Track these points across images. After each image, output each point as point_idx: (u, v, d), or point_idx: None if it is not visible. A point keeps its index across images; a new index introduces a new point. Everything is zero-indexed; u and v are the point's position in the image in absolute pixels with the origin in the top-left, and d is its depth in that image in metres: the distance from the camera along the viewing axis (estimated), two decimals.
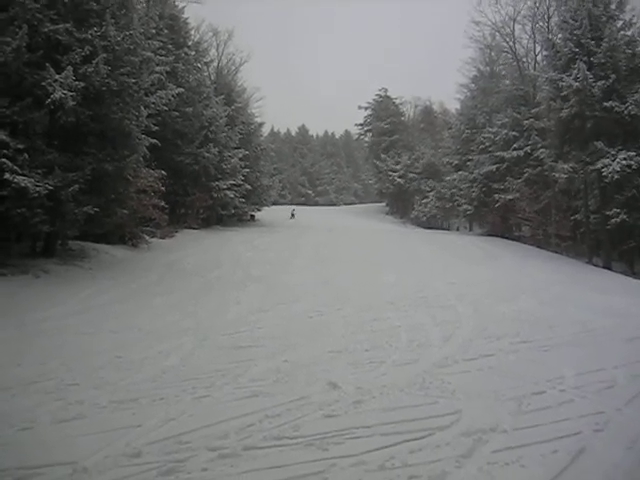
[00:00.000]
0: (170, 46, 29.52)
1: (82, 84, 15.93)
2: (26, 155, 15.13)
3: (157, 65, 22.61)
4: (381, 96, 70.71)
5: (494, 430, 5.59)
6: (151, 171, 24.00)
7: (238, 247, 26.43)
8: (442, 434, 5.49)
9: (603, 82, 28.12)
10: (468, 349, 9.35)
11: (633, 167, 26.64)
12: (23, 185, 14.67)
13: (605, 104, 27.99)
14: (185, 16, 34.70)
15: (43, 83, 15.59)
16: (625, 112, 27.69)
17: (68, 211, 16.37)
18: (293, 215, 53.39)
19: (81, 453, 5.01)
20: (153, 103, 21.69)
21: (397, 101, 70.95)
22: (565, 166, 29.55)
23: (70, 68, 15.75)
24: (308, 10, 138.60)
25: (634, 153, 26.93)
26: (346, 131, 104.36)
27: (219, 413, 6.08)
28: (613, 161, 27.11)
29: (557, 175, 30.27)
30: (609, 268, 28.15)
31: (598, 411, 6.18)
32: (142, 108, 19.66)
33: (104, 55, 16.55)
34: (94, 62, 16.27)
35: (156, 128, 22.74)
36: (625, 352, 9.19)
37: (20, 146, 15.14)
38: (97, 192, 17.41)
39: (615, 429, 5.67)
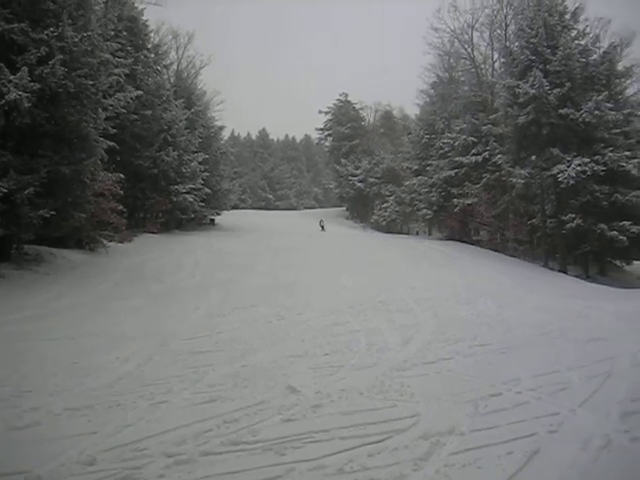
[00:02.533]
0: (129, 48, 29.15)
1: (38, 85, 15.66)
2: None
3: (115, 67, 22.32)
4: (341, 101, 71.07)
5: (451, 432, 5.64)
6: (109, 174, 23.69)
7: (198, 251, 26.23)
8: (400, 437, 5.52)
9: (558, 90, 28.75)
10: (427, 352, 9.42)
11: (588, 173, 27.31)
12: None
13: (560, 111, 28.64)
14: (144, 18, 34.33)
15: None
16: (580, 119, 28.35)
17: (23, 214, 16.07)
18: (323, 227, 49.94)
19: (34, 461, 4.90)
20: (111, 105, 21.40)
21: (357, 106, 71.46)
22: (522, 171, 30.13)
23: (25, 69, 15.46)
24: (270, 15, 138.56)
25: (588, 159, 27.60)
26: (306, 135, 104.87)
27: (176, 419, 6.01)
28: (568, 167, 27.73)
29: (514, 180, 30.82)
30: (564, 272, 28.75)
31: (553, 412, 6.27)
32: (100, 110, 19.41)
33: (61, 56, 16.28)
34: (50, 63, 16.01)
35: (114, 131, 22.46)
36: (579, 354, 9.35)
37: None
38: (53, 195, 17.13)
39: (569, 430, 5.76)
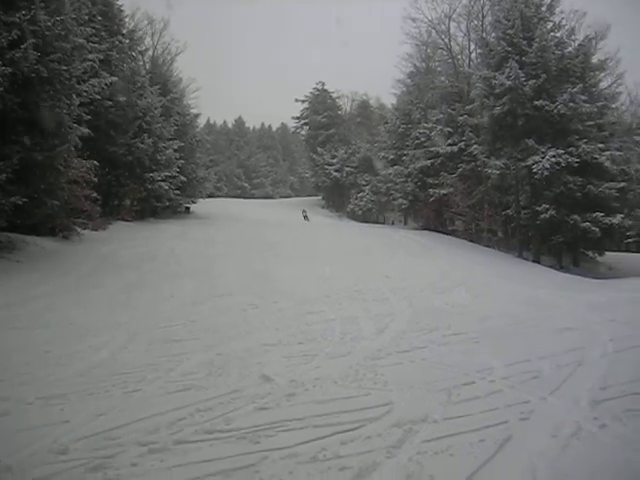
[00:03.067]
0: (103, 33, 28.79)
1: (9, 69, 15.40)
2: None
3: (90, 52, 22.07)
4: (318, 89, 70.84)
5: (424, 420, 5.67)
6: (83, 161, 23.39)
7: (173, 240, 26.08)
8: (374, 425, 5.54)
9: (534, 81, 28.97)
10: (401, 341, 9.46)
11: (562, 164, 27.58)
12: None
13: (536, 103, 28.87)
14: (119, 3, 33.89)
15: None
16: (555, 111, 28.60)
17: None
18: (306, 217, 48.94)
19: (4, 451, 4.83)
20: (85, 91, 21.10)
21: (334, 95, 71.29)
22: (497, 162, 30.36)
23: None
24: (244, 1, 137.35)
25: (563, 151, 27.88)
26: (283, 124, 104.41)
27: (150, 407, 5.97)
28: (543, 158, 27.99)
29: (490, 171, 31.05)
30: (538, 262, 29.09)
31: (524, 401, 6.33)
32: (74, 96, 19.16)
33: (33, 40, 16.01)
34: (22, 47, 15.74)
35: (89, 117, 22.21)
36: (551, 343, 9.46)
37: None
38: (26, 182, 16.91)
39: (540, 418, 5.82)
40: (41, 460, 4.73)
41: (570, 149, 28.16)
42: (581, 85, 29.28)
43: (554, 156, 27.78)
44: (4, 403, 6.10)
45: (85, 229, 24.19)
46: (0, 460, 4.66)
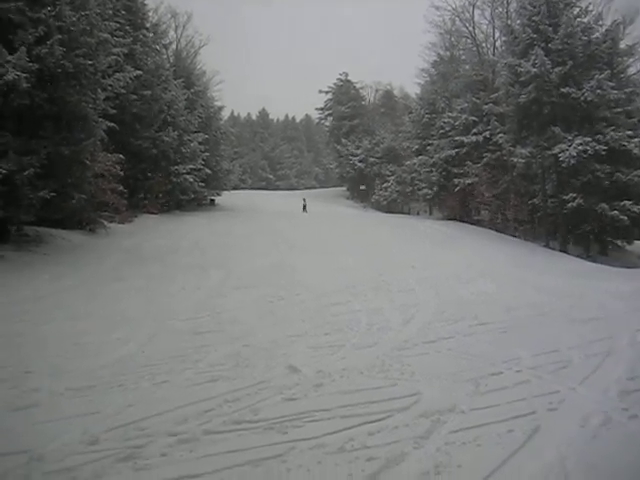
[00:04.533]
0: (128, 28, 28.95)
1: (36, 65, 15.56)
2: None
3: (114, 47, 22.14)
4: (342, 80, 70.61)
5: (452, 411, 5.66)
6: (109, 155, 23.64)
7: (198, 232, 26.23)
8: (401, 416, 5.54)
9: (560, 68, 28.58)
10: (427, 332, 9.44)
11: (589, 152, 27.18)
12: None
13: (562, 90, 28.47)
14: None
15: None
16: (581, 98, 28.20)
17: (23, 196, 16.05)
18: (305, 207, 46.92)
19: (37, 441, 4.92)
20: (110, 86, 21.25)
21: (358, 85, 71.05)
22: (523, 151, 30.02)
23: (23, 49, 15.35)
24: None
25: (590, 139, 27.47)
26: (307, 115, 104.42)
27: (178, 398, 6.03)
28: (570, 146, 27.61)
29: (515, 160, 30.73)
30: (565, 251, 28.76)
31: (553, 391, 6.29)
32: (99, 91, 19.30)
33: (59, 36, 16.18)
34: (48, 43, 15.89)
35: (114, 111, 22.36)
36: (579, 333, 9.37)
37: None
38: (53, 176, 17.09)
39: (569, 408, 5.78)
40: (72, 450, 4.81)
41: (597, 136, 27.75)
42: (609, 71, 28.80)
43: (581, 144, 27.40)
44: (35, 394, 6.20)
45: (111, 222, 24.43)
46: (34, 450, 4.75)
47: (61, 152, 16.84)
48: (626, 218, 27.37)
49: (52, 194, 16.53)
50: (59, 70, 16.40)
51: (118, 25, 24.38)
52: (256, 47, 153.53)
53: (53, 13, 16.36)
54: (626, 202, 27.51)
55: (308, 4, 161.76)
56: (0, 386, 6.48)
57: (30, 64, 15.37)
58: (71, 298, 12.49)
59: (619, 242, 32.87)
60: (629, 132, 28.36)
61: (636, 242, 33.53)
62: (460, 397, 6.08)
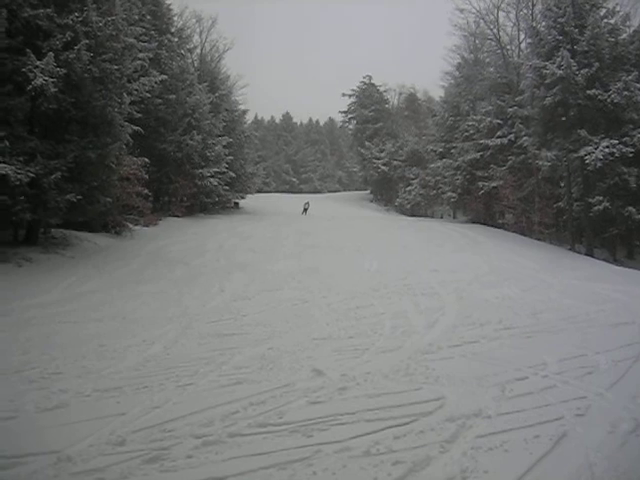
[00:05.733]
0: (153, 32, 29.24)
1: (63, 70, 15.79)
2: (7, 142, 14.97)
3: (140, 52, 22.41)
4: (365, 83, 70.42)
5: (478, 415, 5.63)
6: (134, 159, 23.86)
7: (222, 235, 26.35)
8: (426, 420, 5.52)
9: (586, 70, 28.24)
10: (452, 336, 9.40)
11: (616, 155, 26.81)
12: (4, 173, 14.57)
13: (588, 92, 28.12)
14: (168, 2, 34.41)
15: (24, 69, 15.43)
16: (608, 100, 27.83)
17: (50, 199, 16.26)
18: (305, 209, 46.50)
19: (65, 442, 4.98)
20: (136, 90, 21.48)
21: (381, 88, 70.67)
22: (548, 154, 29.74)
23: (51, 54, 15.59)
24: None
25: (617, 141, 27.10)
26: (330, 118, 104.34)
27: (203, 401, 6.07)
28: (596, 149, 27.26)
29: (540, 163, 30.45)
30: (591, 255, 28.39)
31: (580, 396, 6.23)
32: (125, 95, 19.51)
33: (86, 41, 16.40)
34: (76, 48, 16.13)
35: (139, 115, 22.60)
36: (606, 338, 9.27)
37: (0, 133, 14.97)
38: (80, 180, 17.30)
39: (596, 414, 5.72)
40: (100, 451, 4.86)
41: (624, 139, 27.36)
42: (636, 73, 28.39)
43: (607, 146, 27.05)
44: (63, 395, 6.27)
45: (136, 225, 24.66)
46: (61, 450, 4.80)
47: (87, 156, 17.04)
48: None
49: (78, 197, 16.73)
50: (86, 75, 16.61)
51: (144, 30, 24.67)
52: (279, 51, 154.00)
53: (80, 19, 16.59)
54: None
55: (334, 10, 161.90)
56: (29, 387, 6.57)
57: (58, 69, 15.60)
58: (96, 300, 12.63)
59: None
60: None
61: None
62: (486, 402, 6.04)
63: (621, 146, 26.94)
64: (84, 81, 16.78)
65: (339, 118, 77.68)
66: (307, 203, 47.18)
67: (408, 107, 69.67)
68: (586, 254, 28.62)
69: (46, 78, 15.28)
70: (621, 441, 5.05)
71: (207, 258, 19.84)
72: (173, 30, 35.20)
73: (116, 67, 17.77)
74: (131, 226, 23.97)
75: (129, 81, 20.24)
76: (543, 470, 4.54)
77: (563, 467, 4.60)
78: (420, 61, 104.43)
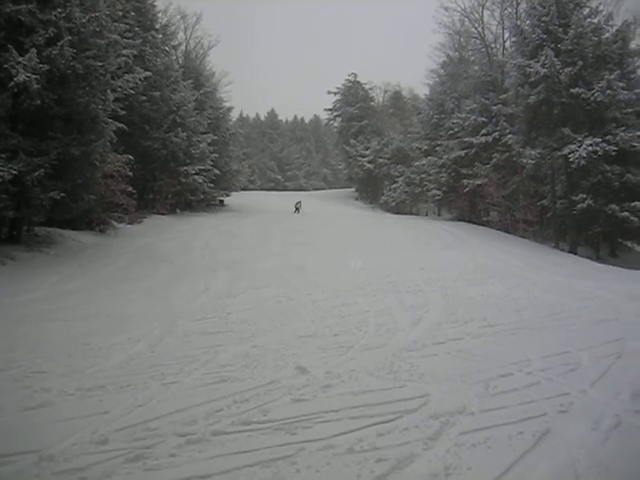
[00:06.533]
0: (137, 29, 29.09)
1: (46, 67, 15.66)
2: None
3: (124, 48, 22.28)
4: (350, 81, 70.41)
5: (461, 412, 5.65)
6: (118, 156, 23.72)
7: (207, 232, 26.28)
8: (410, 417, 5.53)
9: (570, 69, 28.43)
10: (436, 333, 9.43)
11: (599, 153, 27.01)
12: None
13: (572, 91, 28.31)
14: None
15: (6, 65, 15.29)
16: (591, 99, 28.02)
17: (34, 196, 16.14)
18: (297, 209, 45.67)
19: (47, 441, 4.94)
20: (120, 87, 21.37)
21: (366, 86, 70.65)
22: (533, 152, 29.89)
23: (34, 50, 15.45)
24: None
25: (600, 139, 27.30)
26: (315, 116, 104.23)
27: (187, 399, 6.05)
28: (580, 147, 27.46)
29: (525, 161, 30.59)
30: (575, 253, 28.61)
31: (563, 393, 6.27)
32: (109, 92, 19.40)
33: (69, 37, 16.27)
34: (59, 44, 15.99)
35: (123, 112, 22.49)
36: (590, 335, 9.34)
37: None
38: (63, 177, 17.18)
39: (579, 410, 5.76)
40: (82, 450, 4.83)
41: (607, 137, 27.56)
42: (619, 72, 28.61)
43: (591, 145, 27.24)
44: (46, 394, 6.23)
45: (121, 223, 24.55)
46: (43, 449, 4.77)
47: (71, 153, 16.92)
48: (636, 219, 27.16)
49: (62, 195, 16.62)
50: (69, 71, 16.49)
51: (128, 26, 24.51)
52: (264, 48, 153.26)
53: (63, 15, 16.46)
54: (637, 203, 27.28)
55: (318, 4, 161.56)
56: (12, 386, 6.52)
57: (40, 65, 15.47)
58: (81, 299, 12.55)
59: (629, 243, 32.71)
60: (639, 133, 28.17)
61: None
62: (470, 399, 6.07)
63: (604, 144, 27.14)
64: (67, 77, 16.67)
65: (324, 116, 77.66)
66: (299, 202, 46.94)
67: (393, 105, 69.79)
68: (570, 252, 28.82)
69: (29, 74, 15.15)
70: (604, 437, 5.09)
71: (192, 256, 19.78)
72: (157, 27, 35.01)
73: (100, 64, 17.66)
74: (115, 224, 23.85)
75: (113, 78, 20.14)
76: (526, 466, 4.57)
77: (546, 463, 4.63)
78: (405, 59, 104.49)
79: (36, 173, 15.62)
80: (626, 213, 27.17)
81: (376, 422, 5.38)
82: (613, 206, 27.40)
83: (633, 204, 27.32)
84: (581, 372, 7.14)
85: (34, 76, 15.23)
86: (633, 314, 11.35)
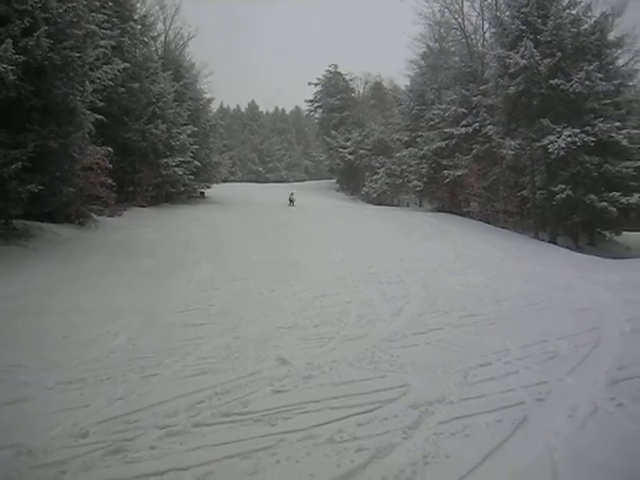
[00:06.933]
0: (115, 19, 28.71)
1: (23, 58, 15.41)
2: None
3: (102, 39, 21.98)
4: (331, 72, 70.23)
5: (441, 402, 5.70)
6: (97, 148, 23.47)
7: (189, 225, 26.19)
8: (390, 407, 5.57)
9: (549, 60, 28.59)
10: (417, 323, 9.49)
11: (578, 144, 27.22)
12: None
13: (551, 82, 28.49)
14: None
15: None
16: (570, 90, 28.22)
17: (11, 189, 15.95)
18: (292, 201, 44.46)
19: (26, 435, 4.93)
20: (98, 78, 21.10)
21: (347, 77, 70.53)
22: (512, 143, 30.05)
23: (9, 41, 15.19)
24: None
25: (579, 130, 27.51)
26: (296, 107, 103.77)
27: (168, 391, 6.05)
28: (559, 138, 27.65)
29: (505, 151, 30.76)
30: (554, 242, 28.84)
31: (541, 381, 6.34)
32: (87, 83, 19.15)
33: (45, 28, 16.03)
34: (35, 35, 15.75)
35: (102, 104, 22.24)
36: (568, 324, 9.43)
37: None
38: (41, 170, 16.98)
39: (557, 398, 5.83)
40: (62, 444, 4.82)
41: (586, 128, 27.78)
42: (597, 63, 28.82)
43: (570, 135, 27.45)
44: (26, 388, 6.20)
45: (101, 216, 24.32)
46: (22, 444, 4.75)
47: (49, 145, 16.73)
48: (614, 209, 27.44)
49: (40, 187, 16.44)
50: (46, 62, 16.28)
51: (106, 17, 24.16)
52: (244, 38, 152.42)
53: (39, 5, 16.20)
54: (614, 193, 27.57)
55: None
56: None
57: (17, 56, 15.24)
58: (61, 292, 12.47)
59: (607, 233, 33.06)
60: (617, 123, 28.36)
61: (624, 233, 33.70)
62: (449, 388, 6.12)
63: (583, 135, 27.36)
64: (44, 69, 16.45)
65: (305, 107, 77.49)
66: (292, 194, 46.68)
67: (374, 96, 69.59)
68: (549, 242, 29.06)
69: (4, 65, 14.91)
70: (580, 424, 5.16)
71: (174, 248, 19.70)
72: (136, 17, 34.59)
73: (77, 54, 17.43)
74: (95, 217, 23.64)
75: (91, 69, 19.87)
76: (504, 454, 4.63)
77: (523, 451, 4.68)
78: (385, 50, 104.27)
79: (13, 166, 15.44)
80: (604, 203, 27.43)
81: (356, 412, 5.42)
82: (592, 196, 27.65)
83: (611, 194, 27.58)
84: (559, 361, 7.22)
85: (10, 67, 14.99)
86: (611, 303, 11.46)
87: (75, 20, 17.40)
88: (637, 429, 5.06)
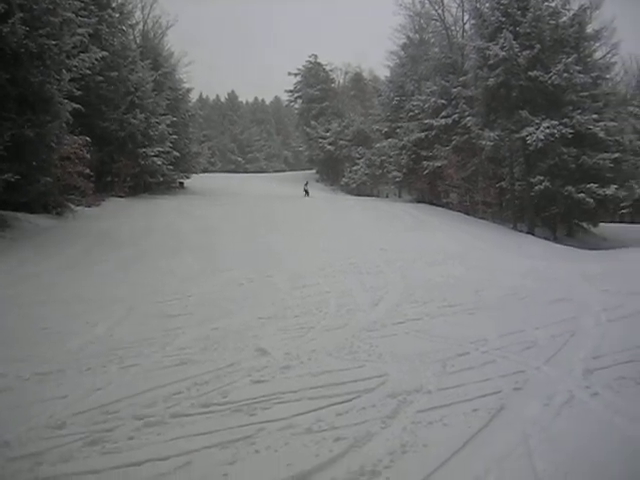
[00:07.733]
0: (92, 7, 28.31)
1: None
2: None
3: (79, 27, 21.69)
4: (311, 62, 70.11)
5: (419, 391, 5.73)
6: (75, 137, 23.24)
7: (168, 215, 26.05)
8: (368, 396, 5.59)
9: (528, 52, 28.78)
10: (396, 314, 9.52)
11: (556, 136, 27.47)
12: None
13: (530, 74, 28.68)
14: None
15: None
16: (549, 82, 28.45)
17: None
18: (307, 191, 45.20)
19: (2, 427, 4.87)
20: (75, 67, 20.84)
21: (327, 67, 70.53)
22: (491, 134, 30.21)
23: None
24: None
25: (557, 122, 27.76)
26: (276, 97, 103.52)
27: (146, 382, 6.03)
28: (537, 130, 27.88)
29: (484, 143, 30.91)
30: (533, 233, 29.12)
31: (518, 370, 6.39)
32: (64, 72, 18.94)
33: (21, 14, 15.81)
34: (10, 22, 15.53)
35: (79, 93, 21.96)
36: (545, 314, 9.51)
37: None
38: (18, 159, 16.81)
39: (533, 387, 5.88)
40: (39, 435, 4.77)
41: (564, 120, 28.04)
42: (575, 55, 29.08)
43: (548, 127, 27.68)
44: (2, 380, 6.15)
45: (78, 206, 24.09)
46: None
47: (25, 134, 16.56)
48: (592, 201, 27.76)
49: (17, 177, 16.27)
50: (22, 50, 16.08)
51: (82, 4, 23.83)
52: (225, 29, 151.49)
53: None
54: (592, 185, 27.87)
55: None
56: None
57: None
58: (39, 283, 12.37)
59: (585, 224, 33.41)
60: (595, 116, 28.68)
61: (601, 224, 34.10)
62: (427, 377, 6.15)
63: (561, 127, 27.63)
64: (20, 56, 16.25)
65: (285, 97, 77.30)
66: (307, 183, 47.03)
67: (354, 86, 69.64)
68: (528, 232, 29.33)
69: None
70: (555, 413, 5.21)
71: (154, 238, 19.58)
72: (114, 5, 34.09)
73: (54, 42, 17.22)
74: (73, 207, 23.41)
75: (68, 57, 19.63)
76: (480, 442, 4.66)
77: (500, 439, 4.71)
78: (366, 40, 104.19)
79: None
80: (582, 195, 27.74)
81: (335, 402, 5.43)
82: (569, 188, 27.95)
83: (589, 186, 27.88)
84: (536, 350, 7.28)
85: None
86: (587, 293, 11.58)
87: (51, 7, 17.21)
88: (611, 417, 5.12)
